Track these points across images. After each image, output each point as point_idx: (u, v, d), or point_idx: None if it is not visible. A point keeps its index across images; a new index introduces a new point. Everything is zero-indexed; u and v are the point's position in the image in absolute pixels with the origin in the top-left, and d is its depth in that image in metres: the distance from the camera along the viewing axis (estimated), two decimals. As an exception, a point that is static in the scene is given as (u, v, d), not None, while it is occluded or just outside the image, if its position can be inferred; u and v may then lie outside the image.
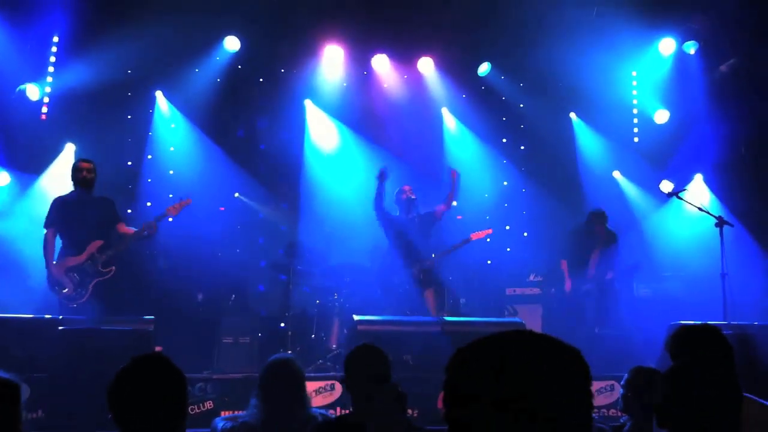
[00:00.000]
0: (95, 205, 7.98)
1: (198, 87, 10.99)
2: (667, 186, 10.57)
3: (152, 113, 11.00)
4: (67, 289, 7.58)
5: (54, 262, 7.69)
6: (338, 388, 6.84)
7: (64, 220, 7.84)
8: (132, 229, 8.04)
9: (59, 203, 7.96)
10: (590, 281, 9.25)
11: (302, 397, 4.33)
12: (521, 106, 11.86)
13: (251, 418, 4.26)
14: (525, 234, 11.56)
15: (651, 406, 4.21)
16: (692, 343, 3.72)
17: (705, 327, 3.85)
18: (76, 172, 8.00)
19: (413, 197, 9.10)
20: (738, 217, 9.77)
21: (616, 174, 11.56)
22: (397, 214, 9.20)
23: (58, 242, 7.85)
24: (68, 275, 7.62)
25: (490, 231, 9.36)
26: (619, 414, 6.30)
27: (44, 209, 7.97)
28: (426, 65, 11.57)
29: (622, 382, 4.38)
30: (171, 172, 10.93)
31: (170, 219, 8.21)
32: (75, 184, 8.01)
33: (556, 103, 11.64)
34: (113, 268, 7.78)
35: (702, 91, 10.94)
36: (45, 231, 7.83)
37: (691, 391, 2.59)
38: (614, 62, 11.13)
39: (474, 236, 9.25)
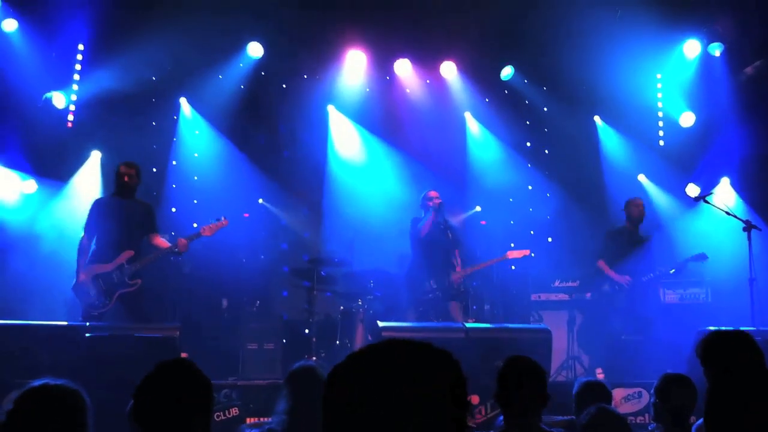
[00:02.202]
0: (132, 212, 7.97)
1: (222, 93, 11.04)
2: (693, 190, 10.48)
3: (177, 120, 11.07)
4: (91, 296, 7.60)
5: (85, 267, 7.69)
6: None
7: (99, 224, 7.83)
8: (166, 243, 8.03)
9: (97, 206, 7.97)
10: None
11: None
12: (545, 109, 11.80)
13: (277, 425, 4.25)
14: (549, 239, 11.48)
15: (681, 414, 4.17)
16: (724, 349, 3.68)
17: (737, 333, 3.81)
18: (117, 177, 8.02)
19: (440, 203, 9.03)
20: (766, 220, 9.66)
21: (642, 178, 11.45)
22: (422, 214, 9.17)
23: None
24: (94, 282, 7.64)
25: (527, 252, 9.27)
26: (648, 421, 6.23)
27: (70, 216, 8.03)
28: (449, 69, 11.54)
29: (651, 390, 4.33)
30: (195, 178, 10.98)
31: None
32: (115, 189, 8.04)
33: (581, 107, 11.56)
34: (140, 280, 7.76)
35: (728, 94, 10.82)
36: (82, 234, 7.86)
37: (734, 399, 2.56)
38: (638, 65, 11.02)
39: (510, 255, 9.21)
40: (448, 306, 8.85)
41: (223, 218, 8.12)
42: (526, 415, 3.68)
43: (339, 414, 1.53)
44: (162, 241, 8.09)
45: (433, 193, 9.11)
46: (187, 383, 2.88)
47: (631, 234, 9.36)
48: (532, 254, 10.02)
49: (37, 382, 2.85)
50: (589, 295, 9.91)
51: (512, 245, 9.48)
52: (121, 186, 7.99)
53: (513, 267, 10.67)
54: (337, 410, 1.53)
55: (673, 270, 9.16)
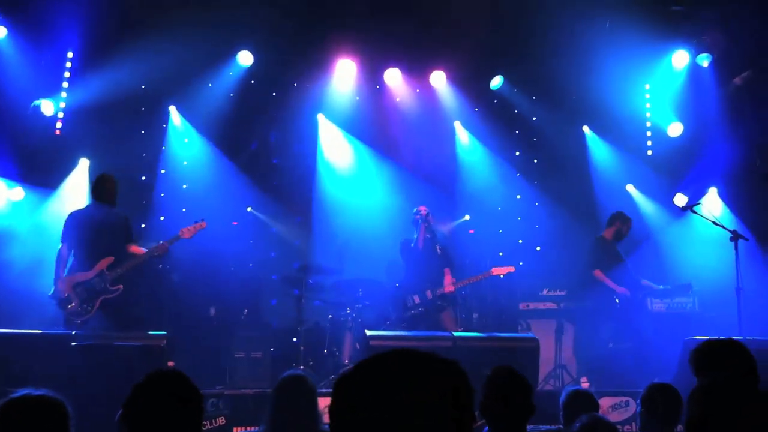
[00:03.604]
0: (109, 221, 7.96)
1: (211, 102, 11.02)
2: (681, 200, 10.52)
3: (166, 128, 11.04)
4: (72, 305, 7.57)
5: (63, 277, 7.69)
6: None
7: (77, 234, 7.82)
8: (142, 250, 8.00)
9: (73, 218, 7.95)
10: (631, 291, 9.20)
11: (315, 414, 4.31)
12: (534, 119, 11.83)
13: (264, 434, 4.25)
14: (538, 248, 11.50)
15: (667, 422, 4.18)
16: (717, 358, 3.70)
17: (729, 342, 3.83)
18: (106, 185, 8.01)
19: (429, 218, 9.10)
20: (753, 230, 9.72)
21: (630, 187, 11.49)
22: (415, 236, 9.20)
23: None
24: (75, 290, 7.61)
25: (512, 269, 9.33)
26: (635, 430, 6.24)
27: (58, 224, 7.98)
28: (438, 79, 11.56)
29: (638, 399, 4.34)
30: (184, 186, 10.96)
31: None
32: (97, 198, 8.02)
33: (569, 116, 11.59)
34: (121, 286, 7.74)
35: (716, 104, 10.90)
36: (60, 245, 7.83)
37: (723, 407, 2.56)
38: (627, 75, 11.08)
39: (495, 271, 9.25)
40: (438, 318, 8.89)
41: (202, 220, 8.13)
42: (511, 426, 3.68)
43: (343, 423, 1.57)
44: (138, 249, 8.06)
45: (422, 209, 9.22)
46: (178, 393, 2.87)
47: (613, 246, 9.45)
48: (521, 243, 10.02)
49: (17, 393, 2.84)
50: (573, 303, 9.93)
51: (501, 254, 9.49)
52: (109, 196, 8.00)
53: (501, 276, 10.68)
54: (342, 419, 1.57)
55: (661, 286, 9.30)
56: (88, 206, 8.11)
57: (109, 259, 7.75)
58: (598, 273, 9.18)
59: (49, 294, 7.69)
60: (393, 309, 9.10)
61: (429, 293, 8.93)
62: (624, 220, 9.54)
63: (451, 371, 1.62)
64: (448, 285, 9.02)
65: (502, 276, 9.32)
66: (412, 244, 9.15)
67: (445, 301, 9.04)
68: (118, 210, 8.18)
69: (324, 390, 7.39)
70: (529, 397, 3.75)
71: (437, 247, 9.15)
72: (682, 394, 4.22)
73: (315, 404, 4.35)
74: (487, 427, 3.88)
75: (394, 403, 1.52)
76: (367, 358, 1.64)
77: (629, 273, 9.30)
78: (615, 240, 9.48)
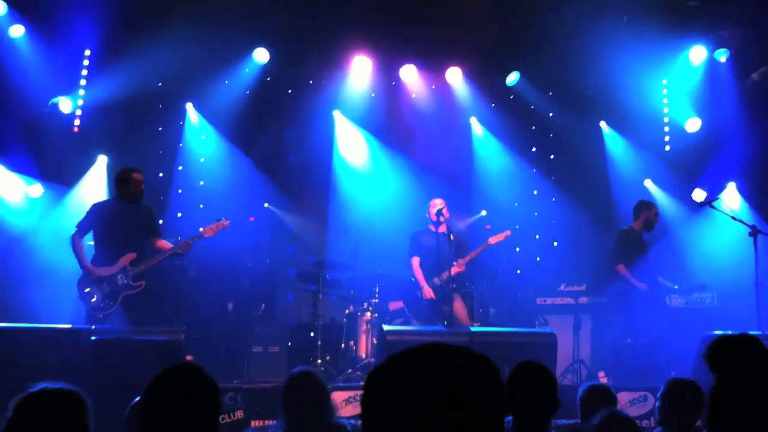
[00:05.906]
0: (137, 216, 7.99)
1: (228, 99, 11.06)
2: (699, 195, 10.46)
3: (183, 125, 11.09)
4: (95, 299, 7.61)
5: (89, 265, 7.71)
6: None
7: (101, 228, 7.84)
8: (169, 245, 8.05)
9: (98, 212, 7.92)
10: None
11: (325, 408, 4.31)
12: (551, 114, 11.79)
13: (280, 428, 4.28)
14: (555, 243, 11.47)
15: (687, 418, 4.16)
16: (732, 354, 3.67)
17: (743, 337, 3.81)
18: (133, 184, 7.97)
19: (445, 211, 9.05)
20: (772, 225, 9.65)
21: (648, 183, 11.43)
22: (429, 226, 9.19)
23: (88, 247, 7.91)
24: (98, 284, 7.66)
25: (508, 233, 9.24)
26: (653, 425, 6.21)
27: (76, 221, 7.99)
28: (454, 75, 11.55)
29: (658, 394, 4.32)
30: (201, 183, 11.01)
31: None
32: (124, 195, 8.01)
33: (586, 112, 11.56)
34: (144, 282, 7.78)
35: (734, 99, 10.82)
36: (72, 233, 7.79)
37: (743, 402, 2.54)
38: (645, 70, 11.01)
39: (492, 240, 9.19)
40: (451, 306, 8.80)
41: (223, 219, 8.16)
42: (535, 421, 3.68)
43: (369, 416, 1.60)
44: (165, 244, 8.11)
45: (439, 201, 9.12)
46: (196, 387, 2.88)
47: (640, 236, 9.37)
48: (538, 238, 9.93)
49: (35, 387, 2.86)
50: (591, 298, 9.89)
51: (517, 249, 9.48)
52: (136, 194, 7.99)
53: (518, 271, 10.69)
54: (368, 412, 1.60)
55: (676, 287, 9.27)
56: (115, 200, 8.10)
57: (132, 255, 7.79)
58: (621, 268, 9.11)
59: (79, 279, 7.72)
60: (405, 299, 9.06)
61: (437, 279, 8.87)
62: (648, 207, 9.46)
63: (475, 365, 1.61)
64: (455, 267, 8.91)
65: (501, 240, 9.23)
66: (428, 225, 9.12)
67: (455, 283, 8.96)
68: (145, 203, 8.21)
69: (341, 384, 7.43)
70: (554, 392, 3.74)
71: (451, 236, 9.01)
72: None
73: (326, 397, 4.35)
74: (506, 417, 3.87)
75: (411, 398, 1.52)
76: (396, 353, 1.64)
77: (650, 267, 9.25)
78: (645, 229, 9.41)
